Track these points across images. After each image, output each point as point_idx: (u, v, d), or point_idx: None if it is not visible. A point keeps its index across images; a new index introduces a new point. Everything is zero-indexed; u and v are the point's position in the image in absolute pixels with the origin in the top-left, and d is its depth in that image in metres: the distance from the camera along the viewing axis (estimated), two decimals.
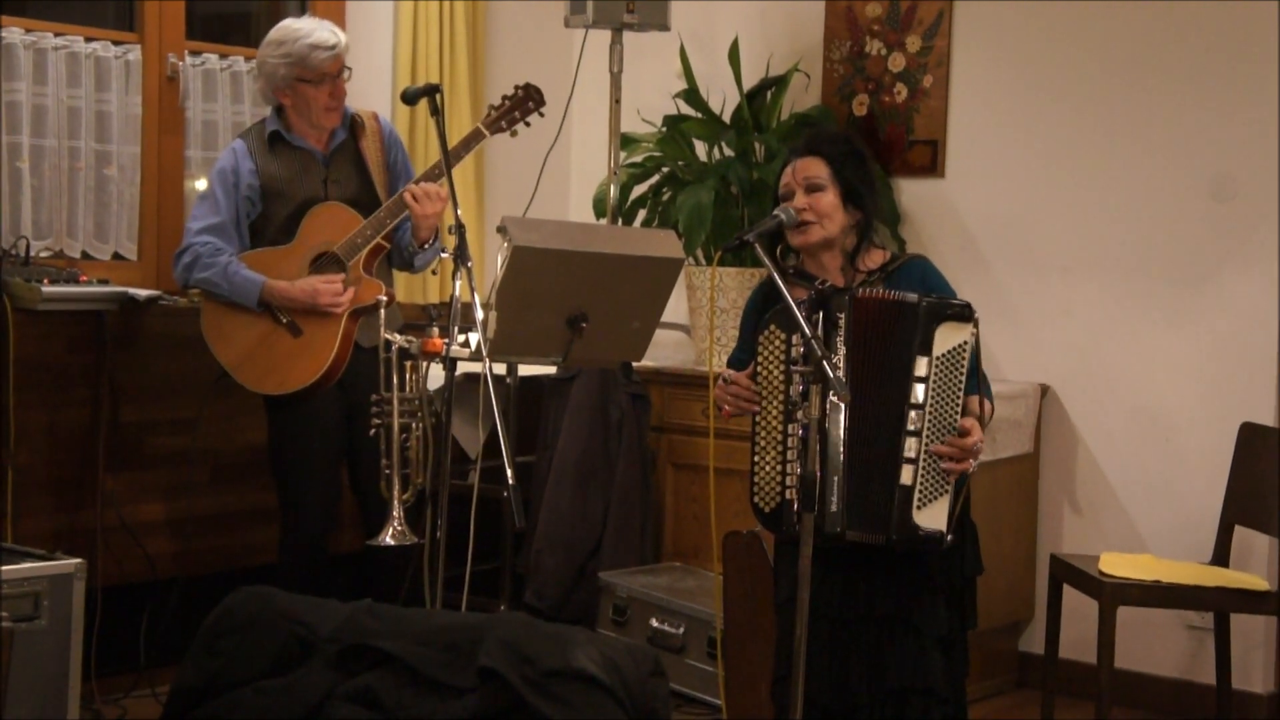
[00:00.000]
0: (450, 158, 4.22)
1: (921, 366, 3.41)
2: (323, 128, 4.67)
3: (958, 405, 3.44)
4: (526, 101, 4.70)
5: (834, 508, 3.41)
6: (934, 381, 3.41)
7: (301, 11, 5.48)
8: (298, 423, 4.64)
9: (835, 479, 3.41)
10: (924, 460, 3.41)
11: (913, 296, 3.45)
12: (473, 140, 4.66)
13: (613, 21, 5.53)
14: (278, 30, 4.63)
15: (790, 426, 3.42)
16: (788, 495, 3.42)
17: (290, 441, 4.68)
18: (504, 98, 4.70)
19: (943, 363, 3.42)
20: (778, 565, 3.70)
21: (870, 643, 3.52)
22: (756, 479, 3.48)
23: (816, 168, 3.62)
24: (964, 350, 3.43)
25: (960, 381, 3.44)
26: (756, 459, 3.48)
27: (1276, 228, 5.05)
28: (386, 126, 4.83)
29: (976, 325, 3.44)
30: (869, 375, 3.44)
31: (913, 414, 3.41)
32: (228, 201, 4.61)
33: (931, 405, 3.41)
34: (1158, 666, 5.23)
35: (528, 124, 4.72)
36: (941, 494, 3.43)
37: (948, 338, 3.42)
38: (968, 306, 3.45)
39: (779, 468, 3.44)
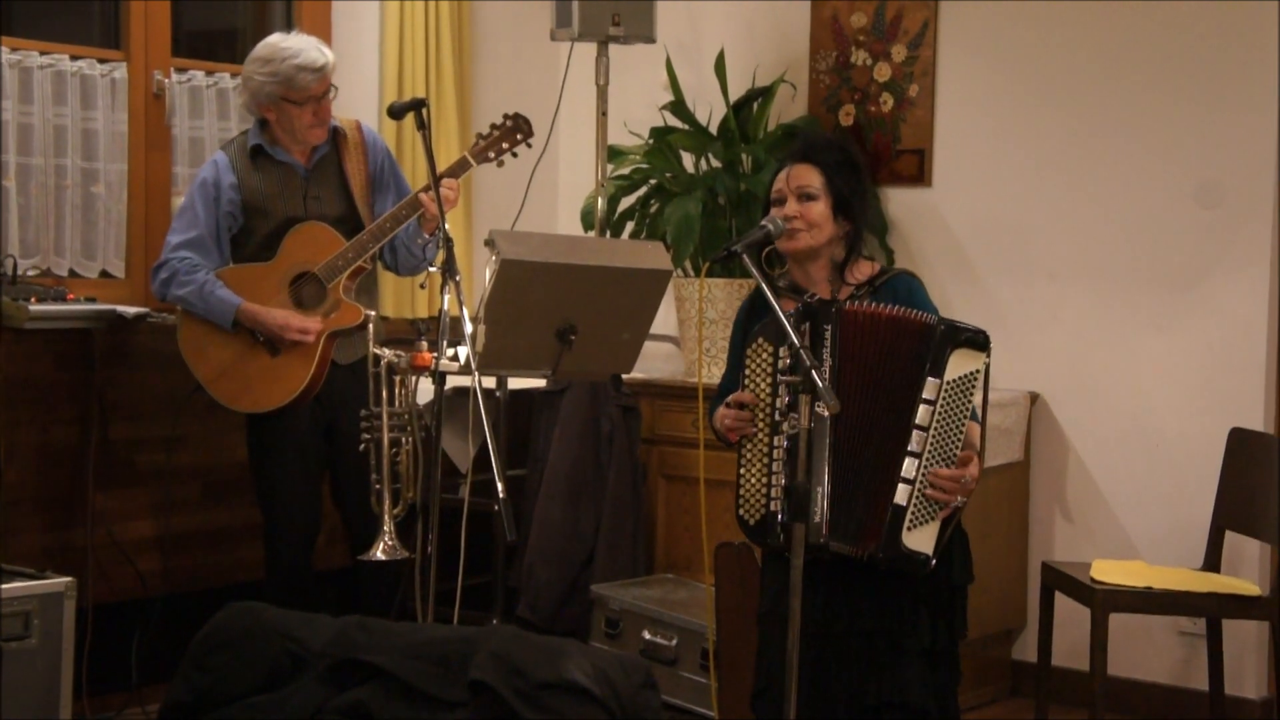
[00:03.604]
0: (437, 176, 4.23)
1: (930, 389, 3.37)
2: (307, 144, 4.67)
3: (961, 432, 3.41)
4: (515, 133, 4.70)
5: (816, 518, 3.39)
6: (941, 406, 3.37)
7: (287, 25, 5.46)
8: (275, 440, 4.64)
9: (819, 490, 3.39)
10: (921, 483, 3.39)
11: (931, 317, 3.43)
12: (459, 169, 4.66)
13: (598, 34, 5.53)
14: (265, 47, 4.60)
15: (776, 438, 3.41)
16: (772, 507, 3.41)
17: (268, 458, 4.68)
18: (493, 127, 4.69)
19: (952, 388, 3.38)
20: (761, 578, 3.69)
21: (851, 657, 3.50)
22: (742, 491, 3.46)
23: (810, 176, 3.60)
24: (975, 379, 3.40)
25: (967, 410, 3.41)
26: (742, 471, 3.46)
27: (1265, 233, 5.06)
28: (370, 136, 4.81)
29: (989, 355, 3.42)
30: (858, 388, 3.42)
31: (916, 435, 3.38)
32: (207, 215, 4.61)
33: (935, 429, 3.37)
34: (1151, 673, 5.23)
35: (515, 155, 4.73)
36: (933, 518, 3.40)
37: (961, 364, 3.39)
38: (984, 335, 3.41)
39: (764, 480, 3.42)
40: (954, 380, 3.39)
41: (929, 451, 3.38)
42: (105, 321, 4.84)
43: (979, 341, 3.41)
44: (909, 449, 3.39)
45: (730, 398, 3.50)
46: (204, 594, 4.91)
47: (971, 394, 3.41)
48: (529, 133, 4.72)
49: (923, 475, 3.38)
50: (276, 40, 4.63)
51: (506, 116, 4.70)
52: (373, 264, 4.70)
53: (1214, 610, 4.62)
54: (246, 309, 4.54)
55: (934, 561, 3.41)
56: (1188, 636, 5.14)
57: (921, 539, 3.40)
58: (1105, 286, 5.35)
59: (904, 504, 3.38)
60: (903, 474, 3.38)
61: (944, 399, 3.38)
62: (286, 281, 4.59)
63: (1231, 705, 4.87)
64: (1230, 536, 4.83)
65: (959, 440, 3.41)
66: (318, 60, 4.57)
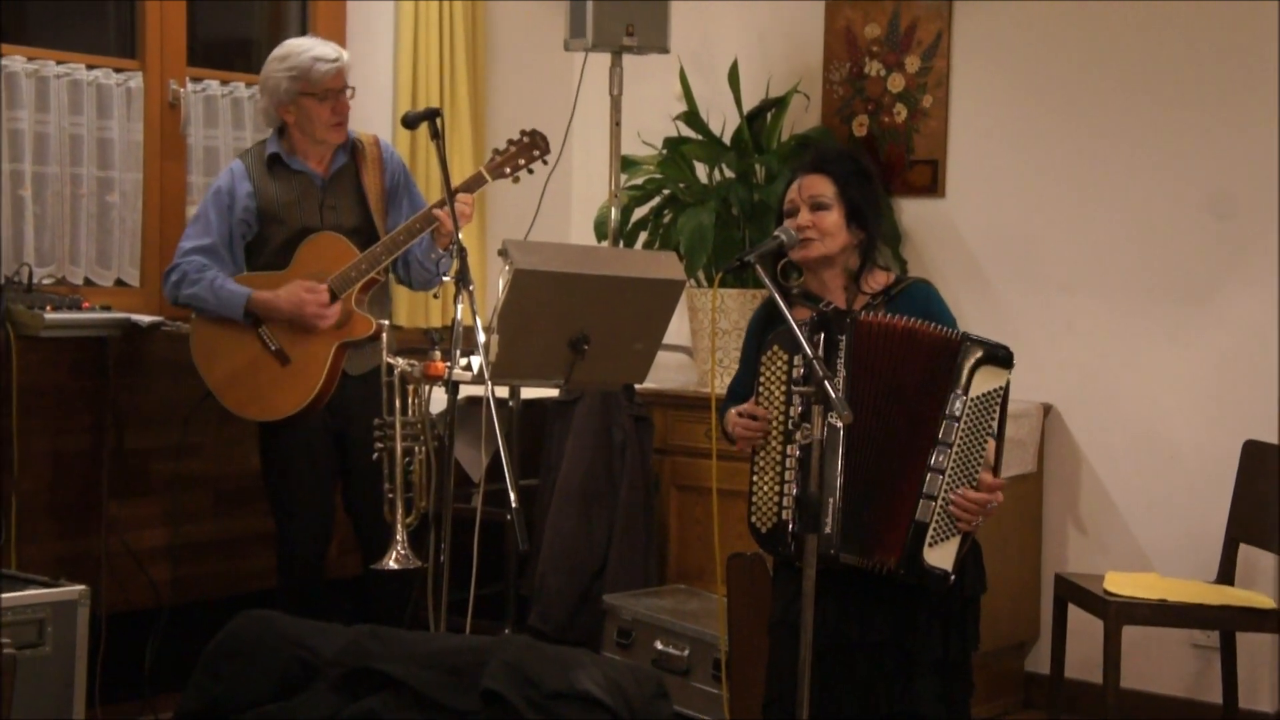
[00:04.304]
0: (451, 189, 4.24)
1: (955, 405, 3.36)
2: (327, 144, 4.68)
3: (983, 450, 3.40)
4: (532, 149, 4.69)
5: (828, 529, 3.39)
6: (965, 422, 3.36)
7: (302, 35, 5.48)
8: (287, 448, 4.65)
9: (830, 500, 3.39)
10: (944, 499, 3.38)
11: (950, 331, 3.42)
12: (474, 184, 4.67)
13: (612, 44, 5.54)
14: (281, 47, 4.69)
15: (789, 447, 3.41)
16: (784, 516, 3.41)
17: (280, 467, 4.69)
18: (510, 142, 4.69)
19: (976, 405, 3.37)
20: (772, 587, 3.68)
21: (863, 668, 3.49)
22: (754, 499, 3.47)
23: (822, 186, 3.60)
24: (998, 396, 3.39)
25: (990, 427, 3.40)
26: (755, 479, 3.46)
27: (1278, 244, 5.05)
28: (388, 150, 4.84)
29: (1011, 371, 3.40)
30: (873, 399, 3.41)
31: (939, 451, 3.37)
32: (220, 223, 4.63)
33: (959, 446, 3.37)
34: (1164, 685, 5.22)
35: (530, 171, 4.73)
36: (954, 534, 3.40)
37: (985, 381, 3.38)
38: (1008, 351, 3.40)
39: (777, 488, 3.42)
40: (978, 397, 3.38)
41: (952, 468, 3.37)
42: (120, 330, 4.85)
43: (1003, 358, 3.40)
44: (931, 464, 3.37)
45: (743, 407, 3.50)
46: (216, 602, 4.91)
47: (994, 411, 3.40)
48: (545, 149, 4.72)
49: (945, 492, 3.38)
50: (291, 40, 4.74)
51: (524, 133, 4.70)
52: (385, 276, 4.72)
53: (1228, 623, 4.61)
54: (258, 298, 4.55)
55: (953, 578, 3.41)
56: (1201, 649, 5.12)
57: (942, 555, 3.40)
58: (1118, 297, 5.34)
59: (926, 520, 3.37)
60: (925, 490, 3.38)
61: (968, 415, 3.37)
62: None
63: (1245, 718, 4.85)
64: (1244, 549, 4.82)
65: (981, 457, 3.40)
66: (331, 53, 4.64)
